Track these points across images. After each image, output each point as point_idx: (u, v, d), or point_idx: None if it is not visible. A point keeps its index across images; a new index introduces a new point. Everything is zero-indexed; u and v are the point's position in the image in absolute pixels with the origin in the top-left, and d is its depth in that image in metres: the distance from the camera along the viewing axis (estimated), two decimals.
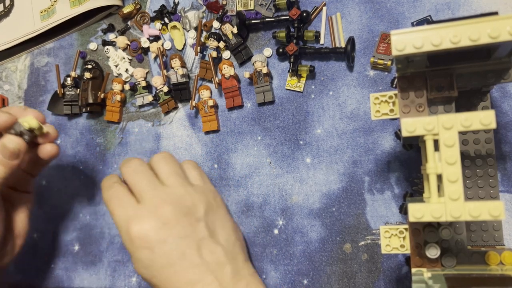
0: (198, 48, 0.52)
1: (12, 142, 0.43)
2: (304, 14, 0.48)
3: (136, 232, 0.41)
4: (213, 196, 0.47)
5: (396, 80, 0.37)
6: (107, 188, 0.45)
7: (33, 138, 0.45)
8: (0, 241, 0.45)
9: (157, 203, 0.42)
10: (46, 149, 0.46)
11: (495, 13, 0.28)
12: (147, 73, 0.56)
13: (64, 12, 0.58)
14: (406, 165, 0.46)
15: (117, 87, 0.56)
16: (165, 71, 0.53)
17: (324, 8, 0.50)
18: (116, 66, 0.57)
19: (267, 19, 0.50)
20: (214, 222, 0.44)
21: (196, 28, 0.54)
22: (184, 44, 0.55)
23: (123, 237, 0.42)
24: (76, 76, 0.57)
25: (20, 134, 0.44)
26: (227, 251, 0.42)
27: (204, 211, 0.43)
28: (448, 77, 0.32)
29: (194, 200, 0.44)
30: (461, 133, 0.39)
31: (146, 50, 0.57)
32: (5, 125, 0.43)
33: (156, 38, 0.56)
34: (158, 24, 0.56)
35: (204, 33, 0.54)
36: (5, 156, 0.43)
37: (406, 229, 0.35)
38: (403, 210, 0.44)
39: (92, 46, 0.59)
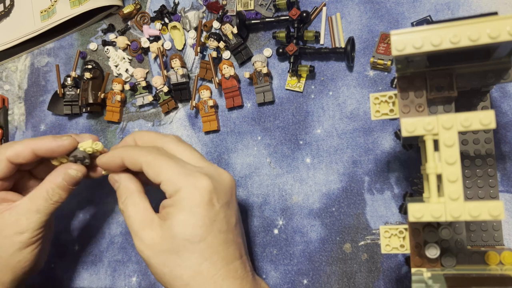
0: (198, 48, 0.52)
1: (77, 171, 0.44)
2: (304, 14, 0.48)
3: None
4: None
5: (396, 80, 0.37)
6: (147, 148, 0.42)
7: (92, 161, 0.45)
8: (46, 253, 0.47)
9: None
10: (99, 171, 0.47)
11: (495, 13, 0.28)
12: (147, 73, 0.56)
13: (64, 12, 0.58)
14: (406, 165, 0.46)
15: (117, 87, 0.56)
16: (165, 71, 0.53)
17: (324, 8, 0.50)
18: (116, 66, 0.58)
19: (267, 19, 0.50)
20: None
21: (196, 28, 0.54)
22: (184, 44, 0.55)
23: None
24: (76, 76, 0.57)
25: (81, 160, 0.44)
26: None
27: None
28: (448, 77, 0.32)
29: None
30: (461, 133, 0.39)
31: (146, 50, 0.57)
32: (68, 150, 0.44)
33: (156, 38, 0.56)
34: (158, 24, 0.56)
35: (204, 33, 0.54)
36: (68, 183, 0.44)
37: (406, 229, 0.35)
38: (403, 210, 0.44)
39: (92, 46, 0.59)
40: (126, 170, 0.43)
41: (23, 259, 0.44)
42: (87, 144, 0.44)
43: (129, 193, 0.42)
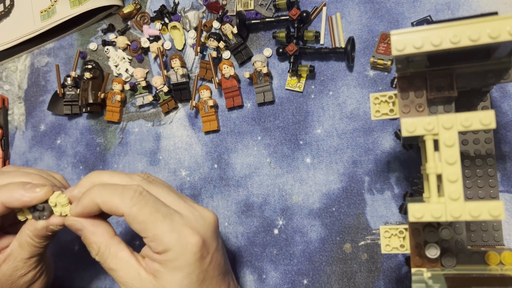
0: (198, 48, 0.52)
1: (55, 226, 0.41)
2: (304, 14, 0.48)
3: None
4: None
5: (396, 80, 0.36)
6: (136, 193, 0.37)
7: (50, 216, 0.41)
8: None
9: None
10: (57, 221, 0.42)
11: (495, 13, 0.28)
12: (147, 73, 0.56)
13: (64, 12, 0.58)
14: (406, 165, 0.46)
15: (117, 87, 0.56)
16: (165, 71, 0.53)
17: (324, 8, 0.50)
18: (116, 66, 0.57)
19: (267, 19, 0.50)
20: None
21: (196, 28, 0.54)
22: (184, 44, 0.55)
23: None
24: (76, 76, 0.57)
25: (39, 210, 0.40)
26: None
27: None
28: (448, 77, 0.32)
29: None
30: (461, 133, 0.39)
31: (146, 50, 0.57)
32: (42, 201, 0.39)
33: (156, 38, 0.56)
34: (158, 24, 0.56)
35: (204, 33, 0.54)
36: (48, 231, 0.41)
37: (406, 229, 0.35)
38: (403, 210, 0.44)
39: (92, 46, 0.59)
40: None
41: None
42: (57, 200, 0.40)
43: (101, 244, 0.38)
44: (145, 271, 0.37)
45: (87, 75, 0.56)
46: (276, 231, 0.49)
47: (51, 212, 0.40)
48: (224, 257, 0.41)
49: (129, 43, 0.57)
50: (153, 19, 0.57)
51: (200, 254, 0.37)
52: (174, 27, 0.55)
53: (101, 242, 0.38)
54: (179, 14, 0.55)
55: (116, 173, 0.41)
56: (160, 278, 0.36)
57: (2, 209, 0.39)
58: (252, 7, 0.52)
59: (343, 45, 0.48)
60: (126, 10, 0.57)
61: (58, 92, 0.58)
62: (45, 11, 0.60)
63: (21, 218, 0.41)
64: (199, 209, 0.40)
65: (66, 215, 0.40)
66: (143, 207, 0.36)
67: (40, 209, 0.40)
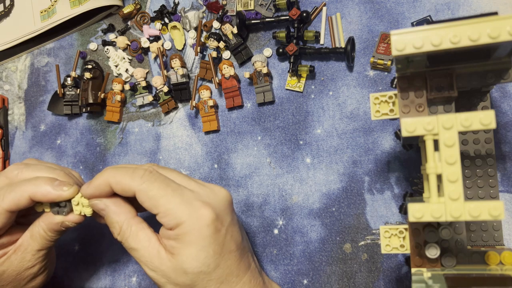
0: (198, 48, 0.52)
1: (71, 223, 0.42)
2: (304, 14, 0.48)
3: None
4: None
5: (396, 80, 0.37)
6: (146, 172, 0.38)
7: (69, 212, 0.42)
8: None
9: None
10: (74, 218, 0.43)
11: (495, 13, 0.28)
12: (147, 73, 0.56)
13: (64, 12, 0.58)
14: (406, 165, 0.46)
15: (117, 87, 0.56)
16: (165, 71, 0.53)
17: (324, 8, 0.50)
18: (116, 66, 0.57)
19: (267, 19, 0.50)
20: None
21: (196, 28, 0.54)
22: (184, 44, 0.55)
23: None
24: (76, 76, 0.57)
25: (59, 206, 0.41)
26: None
27: None
28: (448, 77, 0.32)
29: None
30: (461, 133, 0.39)
31: (146, 50, 0.57)
32: (66, 199, 0.41)
33: (156, 38, 0.56)
34: (158, 24, 0.56)
35: (204, 33, 0.54)
36: (62, 226, 0.42)
37: (406, 229, 0.35)
38: (403, 210, 0.44)
39: (92, 46, 0.59)
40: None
41: (36, 285, 0.45)
42: (77, 196, 0.41)
43: (123, 223, 0.39)
44: (164, 250, 0.38)
45: (87, 75, 0.56)
46: (276, 231, 0.49)
47: (71, 210, 0.41)
48: (241, 233, 0.40)
49: (129, 43, 0.57)
50: (153, 19, 0.57)
51: (214, 226, 0.37)
52: (174, 27, 0.55)
53: (123, 221, 0.39)
54: (179, 14, 0.56)
55: (127, 166, 0.42)
56: (177, 254, 0.37)
57: (28, 201, 0.40)
58: (252, 7, 0.52)
59: (343, 45, 0.48)
60: (126, 10, 0.57)
61: (58, 92, 0.58)
62: (45, 11, 0.60)
63: (38, 209, 0.42)
64: (210, 186, 0.40)
65: (85, 215, 0.41)
66: (153, 183, 0.37)
67: (62, 205, 0.41)
